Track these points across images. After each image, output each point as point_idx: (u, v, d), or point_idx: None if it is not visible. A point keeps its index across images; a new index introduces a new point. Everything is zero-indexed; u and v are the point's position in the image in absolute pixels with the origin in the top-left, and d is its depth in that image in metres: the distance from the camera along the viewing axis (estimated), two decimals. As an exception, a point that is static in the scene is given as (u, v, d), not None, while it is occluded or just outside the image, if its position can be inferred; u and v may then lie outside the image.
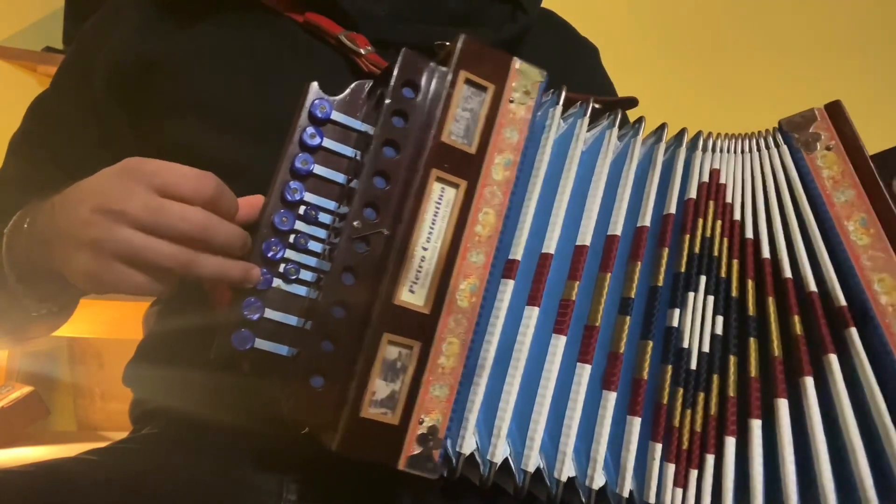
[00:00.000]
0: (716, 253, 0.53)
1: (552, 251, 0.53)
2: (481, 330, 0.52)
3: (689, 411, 0.50)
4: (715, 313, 0.52)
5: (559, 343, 0.52)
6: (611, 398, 0.51)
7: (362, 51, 0.65)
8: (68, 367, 1.49)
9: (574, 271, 0.53)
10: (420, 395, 0.50)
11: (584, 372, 0.52)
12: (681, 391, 0.51)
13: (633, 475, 0.51)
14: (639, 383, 0.51)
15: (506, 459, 0.51)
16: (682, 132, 0.58)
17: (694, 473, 0.50)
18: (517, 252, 0.53)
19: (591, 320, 0.53)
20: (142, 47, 0.67)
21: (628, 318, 0.53)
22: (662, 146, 0.56)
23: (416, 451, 0.49)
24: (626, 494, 0.50)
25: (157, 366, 0.70)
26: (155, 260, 0.46)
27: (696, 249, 0.53)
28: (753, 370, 0.50)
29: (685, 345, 0.51)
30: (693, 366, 0.51)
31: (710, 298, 0.52)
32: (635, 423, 0.51)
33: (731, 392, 0.50)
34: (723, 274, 0.53)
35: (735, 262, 0.53)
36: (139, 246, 0.45)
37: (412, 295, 0.50)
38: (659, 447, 0.50)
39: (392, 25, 0.68)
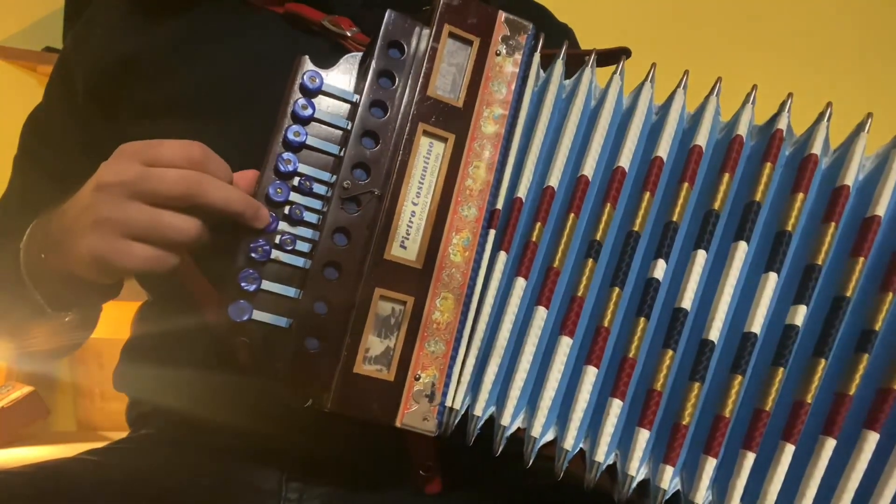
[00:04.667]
0: (789, 227, 0.46)
1: (522, 196, 0.52)
2: (474, 284, 0.51)
3: (697, 385, 0.46)
4: (787, 298, 0.46)
5: (518, 286, 0.50)
6: (564, 343, 0.49)
7: (348, 33, 0.64)
8: (68, 367, 1.48)
9: (538, 213, 0.51)
10: (415, 351, 0.49)
11: (539, 315, 0.50)
12: (670, 353, 0.47)
13: (587, 431, 0.49)
14: (599, 332, 0.48)
15: (467, 409, 0.50)
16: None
17: (712, 462, 0.45)
18: (498, 202, 0.52)
19: (551, 262, 0.50)
20: (118, 48, 0.66)
21: (591, 260, 0.49)
22: (648, 88, 0.53)
23: (413, 407, 0.49)
24: (568, 447, 0.48)
25: (146, 366, 0.69)
26: (163, 189, 0.45)
27: (716, 206, 0.48)
28: (853, 388, 0.43)
29: (685, 305, 0.47)
30: (712, 336, 0.46)
31: (773, 276, 0.46)
32: (589, 373, 0.48)
33: (808, 398, 0.43)
34: (818, 261, 0.45)
35: (860, 260, 0.44)
36: (147, 218, 0.45)
37: (403, 251, 0.49)
38: (618, 403, 0.47)
39: (368, 12, 0.67)
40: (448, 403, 0.50)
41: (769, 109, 0.50)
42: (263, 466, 0.62)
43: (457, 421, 0.51)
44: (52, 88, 0.72)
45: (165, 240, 0.46)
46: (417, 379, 0.49)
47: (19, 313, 0.62)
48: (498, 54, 0.52)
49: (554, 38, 0.57)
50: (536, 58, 0.55)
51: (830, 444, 0.43)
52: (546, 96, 0.54)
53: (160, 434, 0.68)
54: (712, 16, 1.64)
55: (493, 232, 0.52)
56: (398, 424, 0.48)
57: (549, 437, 0.49)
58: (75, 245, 0.48)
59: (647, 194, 0.50)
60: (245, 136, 0.59)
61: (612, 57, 0.56)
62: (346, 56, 0.53)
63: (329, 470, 0.62)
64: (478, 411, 0.50)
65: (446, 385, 0.50)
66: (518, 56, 0.53)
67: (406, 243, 0.49)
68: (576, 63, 0.56)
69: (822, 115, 0.47)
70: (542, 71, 0.56)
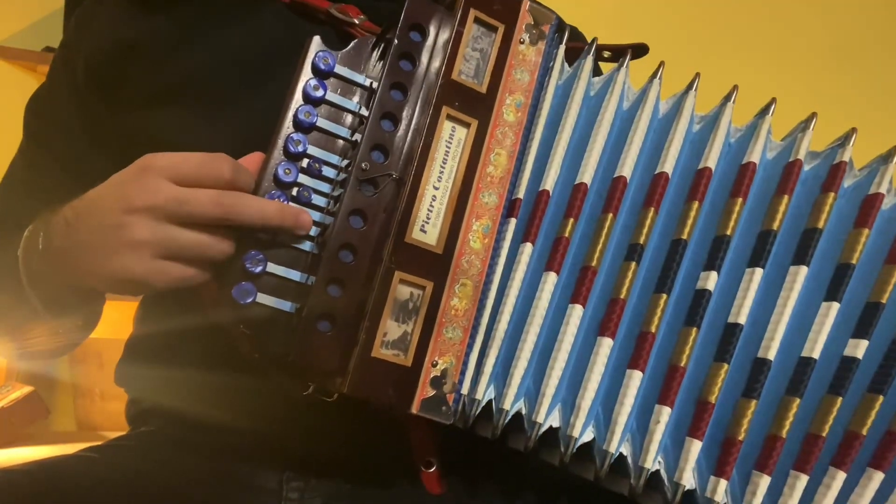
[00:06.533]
0: (853, 260, 0.46)
1: (549, 189, 0.51)
2: (492, 272, 0.51)
3: (753, 402, 0.46)
4: (845, 329, 0.46)
5: (549, 280, 0.50)
6: (605, 345, 0.48)
7: (356, 20, 0.64)
8: (68, 367, 1.47)
9: (570, 209, 0.51)
10: (433, 337, 0.48)
11: (575, 313, 0.49)
12: (725, 367, 0.46)
13: (631, 435, 0.48)
14: (645, 337, 0.48)
15: (489, 400, 0.50)
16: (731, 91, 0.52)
17: (766, 479, 0.45)
18: (520, 191, 0.52)
19: (587, 261, 0.50)
20: (120, 33, 0.66)
21: (633, 264, 0.49)
22: (691, 97, 0.52)
23: (430, 394, 0.48)
24: (612, 450, 0.47)
25: (146, 364, 0.69)
26: (198, 213, 0.45)
27: (774, 226, 0.48)
28: None
29: (740, 321, 0.47)
30: (769, 356, 0.46)
31: (835, 305, 0.46)
32: (634, 378, 0.48)
33: (863, 430, 0.44)
34: (882, 300, 0.45)
35: None
36: (183, 240, 0.45)
37: (424, 235, 0.49)
38: (667, 411, 0.47)
39: (374, 2, 0.67)
40: (464, 391, 0.49)
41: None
42: (264, 466, 0.61)
43: (478, 412, 0.50)
44: (55, 71, 0.72)
45: (202, 258, 0.46)
46: (434, 366, 0.48)
47: (19, 313, 0.61)
48: (522, 42, 0.52)
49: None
50: (561, 50, 0.54)
51: (878, 478, 0.43)
52: (574, 91, 0.53)
53: (160, 432, 0.67)
54: (726, 21, 1.65)
55: (513, 221, 0.51)
56: (414, 411, 0.47)
57: (587, 437, 0.48)
58: (104, 264, 0.47)
59: (696, 204, 0.49)
60: (247, 124, 0.59)
61: (630, 53, 0.56)
62: (357, 39, 0.52)
63: (330, 469, 0.61)
64: (506, 405, 0.49)
65: (462, 373, 0.49)
66: (541, 45, 0.53)
67: (426, 227, 0.49)
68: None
69: (889, 155, 0.48)
70: (566, 65, 0.55)
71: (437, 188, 0.49)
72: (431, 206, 0.49)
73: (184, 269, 0.46)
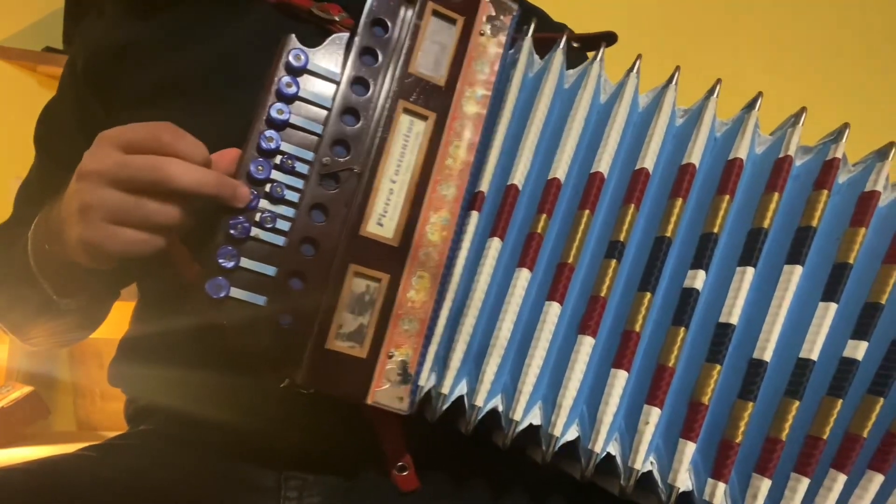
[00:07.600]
0: (850, 260, 0.45)
1: (518, 183, 0.51)
2: (452, 265, 0.51)
3: (750, 404, 0.45)
4: (844, 331, 0.45)
5: (522, 277, 0.49)
6: (586, 343, 0.48)
7: (336, 17, 0.65)
8: (68, 367, 1.48)
9: (543, 205, 0.50)
10: (389, 329, 0.48)
11: (552, 310, 0.49)
12: (717, 368, 0.46)
13: (620, 435, 0.48)
14: (629, 336, 0.47)
15: (461, 396, 0.49)
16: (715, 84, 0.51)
17: (767, 483, 0.45)
18: (483, 184, 0.51)
19: (564, 258, 0.49)
20: (115, 36, 0.67)
21: (614, 261, 0.48)
22: (671, 90, 0.51)
23: (385, 385, 0.48)
24: (598, 450, 0.47)
25: (142, 363, 0.69)
26: (134, 176, 0.46)
27: (764, 223, 0.47)
28: None
29: (732, 321, 0.46)
30: (765, 357, 0.45)
31: (833, 306, 0.45)
32: (619, 377, 0.47)
33: (864, 432, 0.43)
34: (881, 300, 0.44)
35: None
36: (124, 202, 0.46)
37: (380, 228, 0.49)
38: (656, 412, 0.46)
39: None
40: (422, 383, 0.49)
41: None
42: (262, 464, 0.62)
43: (445, 406, 0.50)
44: (64, 77, 0.74)
45: (147, 223, 0.46)
46: (391, 357, 0.48)
47: (28, 306, 0.63)
48: (482, 34, 0.52)
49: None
50: (528, 42, 0.54)
51: (878, 480, 0.43)
52: (545, 83, 0.53)
53: (158, 431, 0.68)
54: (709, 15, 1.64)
55: (474, 214, 0.51)
56: (369, 402, 0.48)
57: (570, 436, 0.48)
58: (67, 233, 0.49)
59: (680, 201, 0.48)
60: (233, 121, 0.59)
61: (594, 43, 0.56)
62: (332, 36, 0.52)
63: (328, 467, 0.61)
64: (478, 401, 0.49)
65: (420, 364, 0.49)
66: (502, 37, 0.53)
67: (383, 221, 0.49)
68: (571, 52, 0.55)
69: (885, 152, 0.47)
70: (537, 57, 0.55)
71: (394, 181, 0.49)
72: (389, 199, 0.49)
73: (135, 234, 0.46)
